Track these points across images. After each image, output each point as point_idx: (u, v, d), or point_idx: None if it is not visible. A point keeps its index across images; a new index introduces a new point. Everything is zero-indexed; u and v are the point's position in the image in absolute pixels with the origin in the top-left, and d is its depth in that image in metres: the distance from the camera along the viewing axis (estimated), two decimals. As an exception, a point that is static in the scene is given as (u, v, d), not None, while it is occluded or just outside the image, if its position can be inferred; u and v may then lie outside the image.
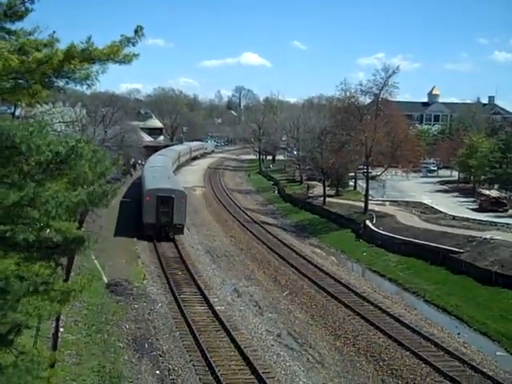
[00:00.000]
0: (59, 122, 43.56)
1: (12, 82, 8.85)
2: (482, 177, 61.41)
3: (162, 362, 20.96)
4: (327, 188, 58.42)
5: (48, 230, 10.43)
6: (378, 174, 53.84)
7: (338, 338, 24.53)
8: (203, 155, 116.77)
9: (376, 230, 43.53)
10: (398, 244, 39.89)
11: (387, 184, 57.62)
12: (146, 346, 22.31)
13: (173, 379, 19.83)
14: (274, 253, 39.20)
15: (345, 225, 48.50)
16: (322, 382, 20.50)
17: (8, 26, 9.61)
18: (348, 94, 54.70)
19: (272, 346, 23.18)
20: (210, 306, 26.81)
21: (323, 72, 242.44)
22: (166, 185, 43.52)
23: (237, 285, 31.73)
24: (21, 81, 8.87)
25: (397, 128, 51.41)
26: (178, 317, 25.64)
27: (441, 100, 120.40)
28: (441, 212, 47.73)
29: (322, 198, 56.75)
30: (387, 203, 52.82)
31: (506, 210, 47.66)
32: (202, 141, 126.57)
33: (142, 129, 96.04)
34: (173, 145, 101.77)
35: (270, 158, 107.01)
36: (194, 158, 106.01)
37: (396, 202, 53.38)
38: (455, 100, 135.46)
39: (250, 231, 46.28)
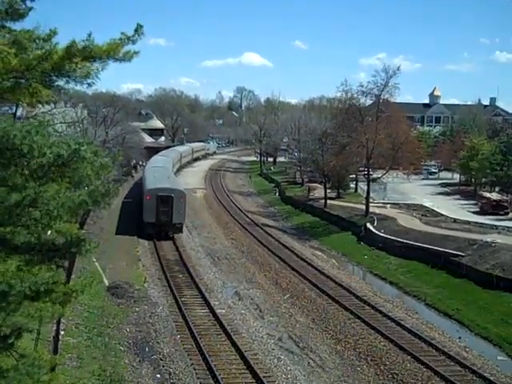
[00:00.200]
0: (60, 122, 43.59)
1: (12, 81, 8.79)
2: (483, 179, 61.28)
3: (163, 366, 20.90)
4: (328, 190, 58.18)
5: (49, 232, 10.38)
6: (379, 176, 53.68)
7: (338, 341, 24.46)
8: (205, 156, 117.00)
9: (377, 232, 43.44)
10: (398, 247, 39.83)
11: (388, 186, 57.63)
12: (147, 349, 22.27)
13: (173, 383, 19.78)
14: (275, 255, 39.12)
15: (346, 227, 48.37)
16: (323, 386, 20.45)
17: (9, 25, 9.55)
18: (349, 94, 54.49)
19: (273, 349, 23.11)
20: (211, 310, 26.74)
21: (325, 72, 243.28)
22: (166, 184, 43.66)
23: (238, 288, 31.66)
24: (21, 80, 8.82)
25: (398, 130, 51.16)
26: (178, 320, 25.57)
27: (442, 101, 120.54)
28: (442, 215, 47.58)
29: (322, 201, 56.59)
30: (388, 206, 52.74)
31: (507, 213, 47.55)
32: (203, 142, 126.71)
33: (143, 130, 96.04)
34: (174, 146, 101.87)
35: (270, 159, 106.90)
36: (196, 159, 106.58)
37: (397, 204, 53.24)
38: (456, 101, 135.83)
39: (251, 234, 46.18)
